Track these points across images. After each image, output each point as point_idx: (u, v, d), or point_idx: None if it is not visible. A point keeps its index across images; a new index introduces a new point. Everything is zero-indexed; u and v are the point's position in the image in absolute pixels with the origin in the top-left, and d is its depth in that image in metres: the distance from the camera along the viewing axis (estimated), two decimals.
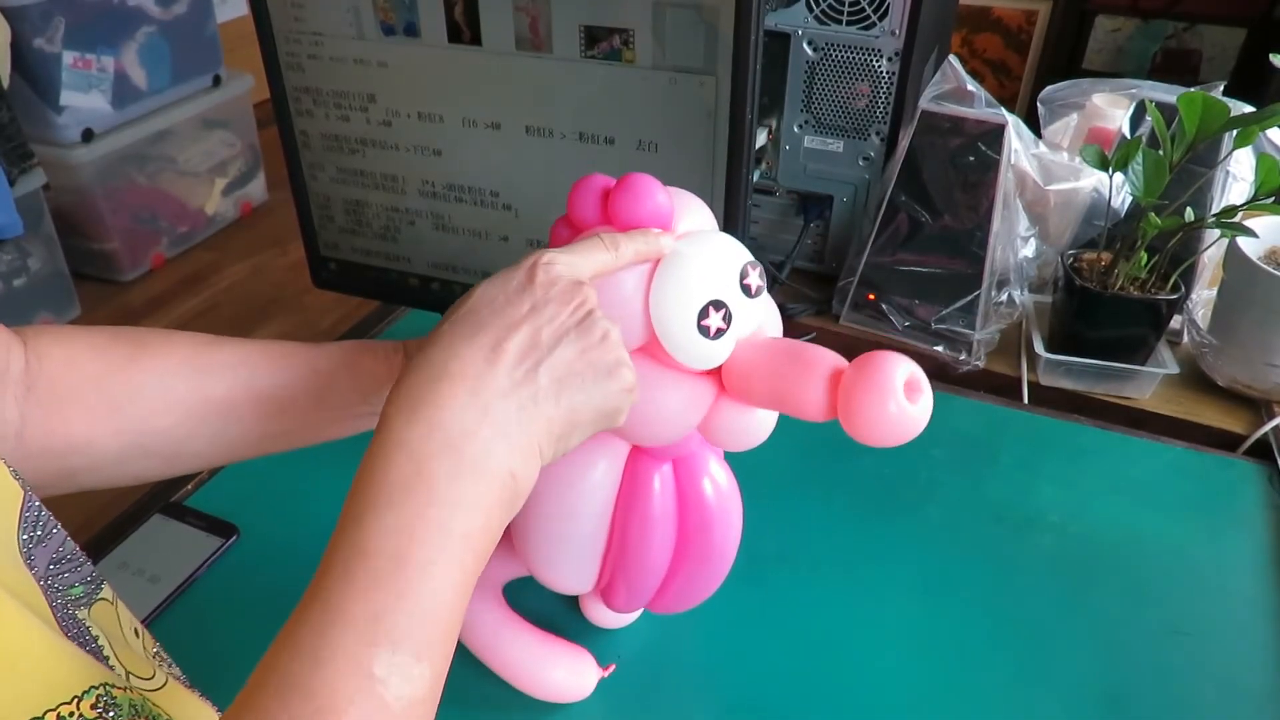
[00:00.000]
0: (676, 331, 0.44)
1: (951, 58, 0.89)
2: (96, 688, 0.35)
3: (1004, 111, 0.86)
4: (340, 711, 0.31)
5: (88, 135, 2.10)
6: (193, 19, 2.31)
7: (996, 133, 0.85)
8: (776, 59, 0.91)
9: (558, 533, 0.53)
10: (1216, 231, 0.82)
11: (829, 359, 0.42)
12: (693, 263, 0.44)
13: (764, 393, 0.44)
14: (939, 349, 0.91)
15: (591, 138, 0.62)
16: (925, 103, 0.87)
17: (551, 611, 0.63)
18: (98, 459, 0.47)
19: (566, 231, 0.48)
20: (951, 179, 0.87)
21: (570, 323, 0.40)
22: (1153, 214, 0.77)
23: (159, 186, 2.33)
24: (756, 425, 0.48)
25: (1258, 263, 0.81)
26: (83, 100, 2.09)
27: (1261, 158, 0.73)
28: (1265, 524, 0.72)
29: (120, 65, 2.15)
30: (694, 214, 0.48)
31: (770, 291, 1.00)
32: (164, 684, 0.42)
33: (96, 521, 0.73)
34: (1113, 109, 1.00)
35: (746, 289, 0.45)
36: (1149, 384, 0.86)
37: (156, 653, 0.44)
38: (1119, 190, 0.85)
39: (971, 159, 0.86)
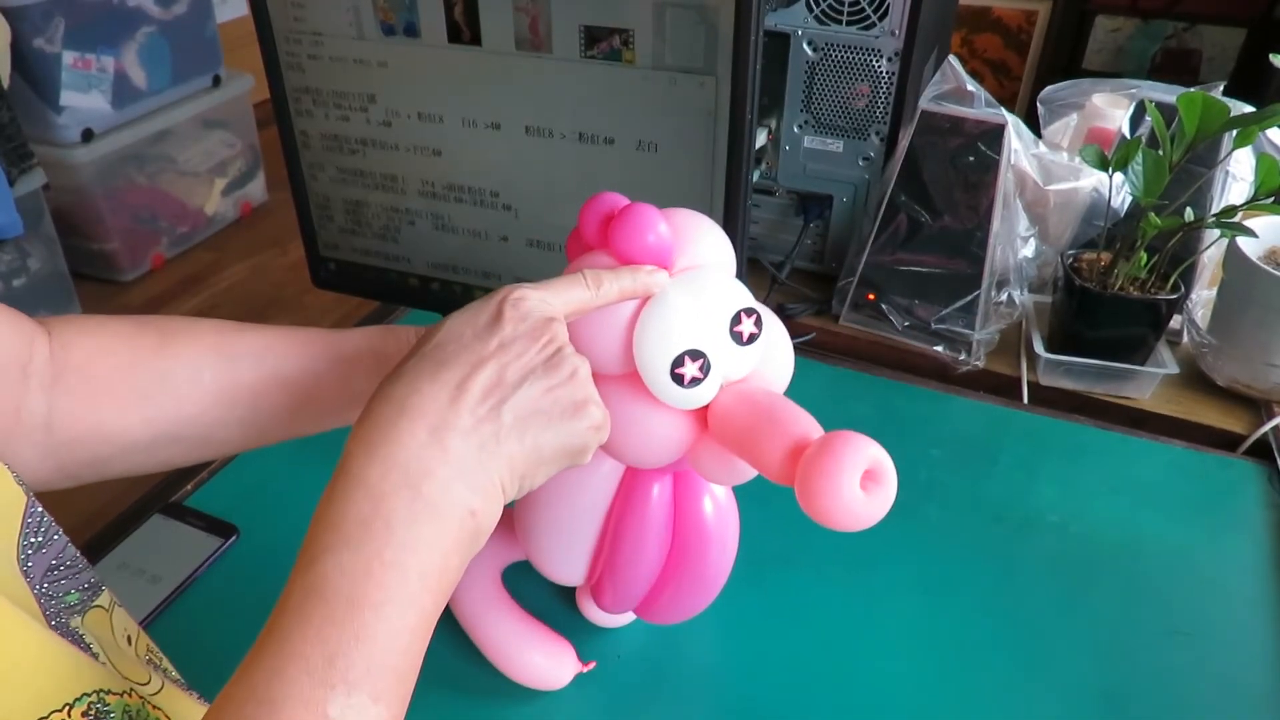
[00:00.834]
0: (652, 376, 0.43)
1: (951, 58, 0.89)
2: (89, 694, 0.35)
3: (1004, 111, 0.86)
4: None
5: (88, 135, 2.10)
6: (193, 19, 2.31)
7: (996, 133, 0.85)
8: (776, 59, 0.91)
9: (554, 520, 0.54)
10: (1216, 231, 0.82)
11: (799, 428, 0.41)
12: (675, 310, 0.43)
13: (735, 443, 0.44)
14: (939, 349, 0.91)
15: (591, 138, 0.62)
16: (925, 103, 0.87)
17: (553, 606, 0.64)
18: (128, 447, 0.47)
19: (577, 245, 0.48)
20: (951, 179, 0.87)
21: (537, 360, 0.40)
22: (1152, 214, 0.77)
23: (159, 186, 2.33)
24: (738, 466, 0.47)
25: (1257, 263, 0.81)
26: (83, 100, 2.09)
27: (1261, 158, 0.73)
28: (1265, 524, 0.72)
29: (120, 65, 2.15)
30: (702, 242, 0.46)
31: (770, 291, 1.01)
32: (160, 688, 0.42)
33: (97, 521, 0.73)
34: (1112, 109, 1.00)
35: (738, 336, 0.44)
36: (1149, 384, 0.86)
37: (149, 659, 0.44)
38: (1119, 190, 0.85)
39: (971, 159, 0.86)
